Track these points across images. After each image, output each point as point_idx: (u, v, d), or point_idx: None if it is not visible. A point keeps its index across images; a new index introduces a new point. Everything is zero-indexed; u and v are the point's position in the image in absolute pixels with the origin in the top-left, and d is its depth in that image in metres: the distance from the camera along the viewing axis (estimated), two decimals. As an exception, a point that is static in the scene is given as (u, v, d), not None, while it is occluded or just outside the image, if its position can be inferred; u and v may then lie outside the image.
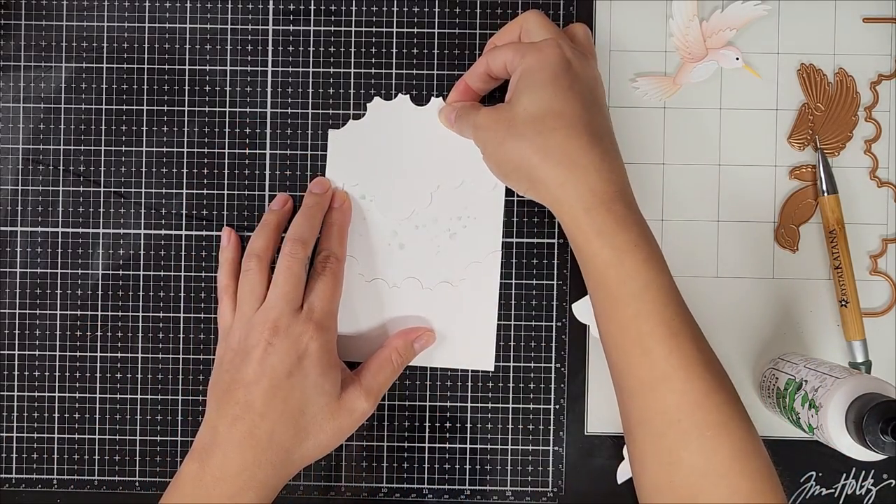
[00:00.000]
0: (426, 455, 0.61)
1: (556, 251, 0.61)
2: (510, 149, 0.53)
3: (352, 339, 0.60)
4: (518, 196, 0.61)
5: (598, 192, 0.51)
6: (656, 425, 0.49)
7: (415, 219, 0.60)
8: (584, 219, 0.51)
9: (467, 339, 0.60)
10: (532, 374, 0.61)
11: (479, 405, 0.61)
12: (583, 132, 0.51)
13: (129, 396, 0.61)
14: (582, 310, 0.60)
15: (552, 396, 0.61)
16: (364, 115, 0.60)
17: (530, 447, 0.61)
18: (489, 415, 0.61)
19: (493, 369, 0.60)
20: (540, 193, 0.53)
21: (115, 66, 0.61)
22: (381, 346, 0.59)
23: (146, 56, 0.61)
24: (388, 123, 0.60)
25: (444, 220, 0.60)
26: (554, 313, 0.61)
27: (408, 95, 0.60)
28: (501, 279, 0.60)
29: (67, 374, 0.61)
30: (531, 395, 0.61)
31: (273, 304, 0.55)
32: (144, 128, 0.61)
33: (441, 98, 0.60)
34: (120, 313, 0.61)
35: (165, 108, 0.61)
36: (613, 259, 0.50)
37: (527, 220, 0.61)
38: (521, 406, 0.61)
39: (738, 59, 0.60)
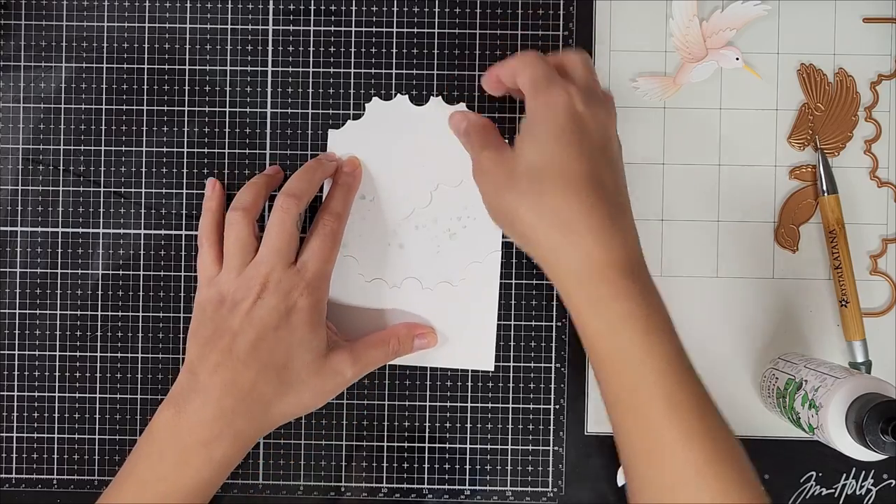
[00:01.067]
0: (426, 455, 0.61)
1: (556, 251, 0.61)
2: (506, 201, 0.50)
3: (352, 338, 0.60)
4: (518, 196, 0.61)
5: (593, 259, 0.48)
6: (655, 492, 0.48)
7: (414, 219, 0.60)
8: (575, 288, 0.49)
9: (467, 340, 0.60)
10: (532, 374, 0.61)
11: (479, 405, 0.61)
12: (584, 194, 0.48)
13: (129, 396, 0.61)
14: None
15: (552, 396, 0.61)
16: (363, 115, 0.60)
17: (530, 447, 0.61)
18: (489, 415, 0.61)
19: (493, 369, 0.60)
20: (532, 252, 0.51)
21: (114, 66, 0.61)
22: (384, 329, 0.59)
23: (146, 56, 0.61)
24: (386, 124, 0.60)
25: (443, 220, 0.60)
26: (554, 313, 0.61)
27: (406, 96, 0.60)
28: (501, 279, 0.60)
29: (67, 374, 0.61)
30: (531, 395, 0.61)
31: (264, 259, 0.55)
32: (144, 128, 0.61)
33: (440, 98, 0.60)
34: (120, 313, 0.61)
35: (165, 107, 0.61)
36: (605, 330, 0.48)
37: (527, 220, 0.61)
38: (521, 406, 0.61)
39: (738, 59, 0.60)
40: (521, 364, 0.61)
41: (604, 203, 0.49)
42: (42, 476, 0.61)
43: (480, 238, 0.60)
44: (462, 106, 0.60)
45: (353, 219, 0.60)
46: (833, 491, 0.60)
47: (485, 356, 0.60)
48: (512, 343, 0.61)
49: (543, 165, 0.49)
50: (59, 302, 0.61)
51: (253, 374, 0.53)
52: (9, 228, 0.61)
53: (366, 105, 0.60)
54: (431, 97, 0.60)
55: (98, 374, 0.61)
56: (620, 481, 0.61)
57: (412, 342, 0.59)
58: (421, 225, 0.60)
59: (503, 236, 0.60)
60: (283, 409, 0.55)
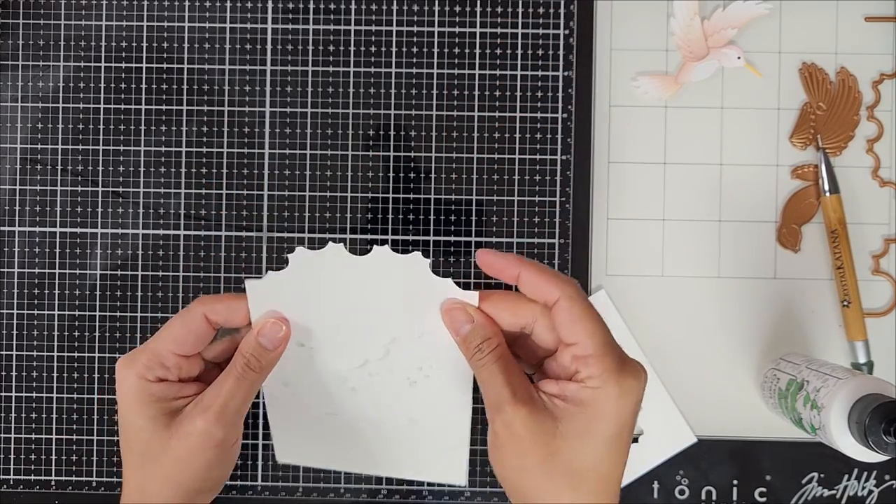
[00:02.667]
0: (426, 456, 0.60)
1: (556, 251, 0.60)
2: (528, 480, 0.45)
3: (310, 447, 0.55)
4: (518, 196, 0.60)
5: None
6: None
7: (368, 367, 0.50)
8: None
9: (435, 459, 0.53)
10: (532, 375, 0.60)
11: (480, 405, 0.60)
12: (612, 495, 0.44)
13: (127, 397, 0.61)
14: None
15: (552, 397, 0.60)
16: (285, 267, 0.48)
17: (531, 448, 0.60)
18: (489, 415, 0.60)
19: (465, 483, 0.54)
20: None
21: (113, 65, 0.61)
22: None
23: (145, 55, 0.61)
24: (317, 277, 0.48)
25: (402, 372, 0.50)
26: (554, 313, 0.60)
27: (341, 244, 0.47)
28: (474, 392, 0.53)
29: (66, 374, 0.61)
30: (531, 396, 0.60)
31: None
32: (143, 127, 0.61)
33: (387, 246, 0.47)
34: (118, 313, 0.61)
35: (164, 107, 0.61)
36: None
37: (527, 220, 0.60)
38: (521, 407, 0.60)
39: (739, 58, 0.60)
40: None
41: (615, 496, 0.45)
42: (40, 477, 0.61)
43: (447, 390, 0.50)
44: (417, 257, 0.46)
45: (294, 365, 0.50)
46: (835, 492, 0.60)
47: (456, 470, 0.53)
48: (512, 343, 0.60)
49: (590, 467, 0.44)
50: (57, 302, 0.61)
51: (129, 474, 0.49)
52: (7, 228, 0.61)
53: (288, 256, 0.47)
54: (375, 246, 0.47)
55: (96, 375, 0.61)
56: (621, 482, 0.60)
57: (258, 344, 0.48)
58: (375, 373, 0.50)
59: (474, 389, 0.50)
60: (188, 499, 0.49)
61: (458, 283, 0.47)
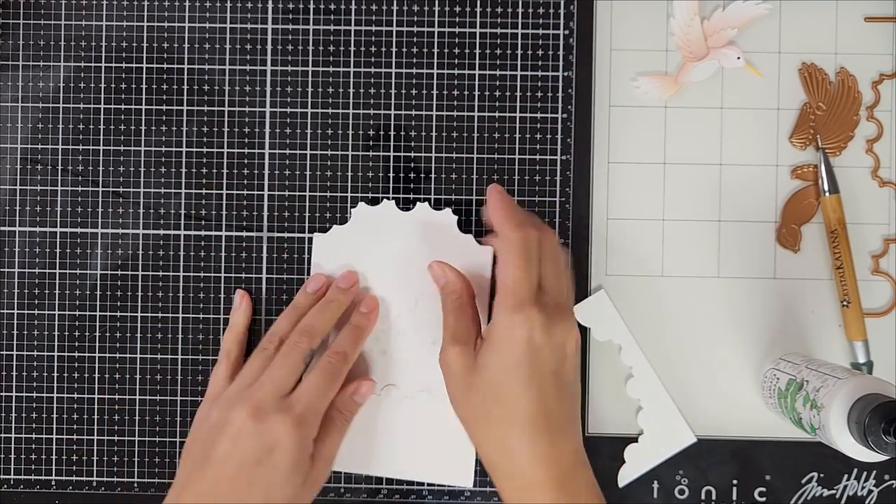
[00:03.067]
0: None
1: (556, 251, 0.61)
2: (461, 410, 0.54)
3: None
4: (518, 196, 0.60)
5: (529, 479, 0.51)
6: None
7: (398, 325, 0.59)
8: (510, 495, 0.51)
9: (445, 454, 0.59)
10: (532, 375, 0.60)
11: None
12: (528, 428, 0.51)
13: (127, 397, 0.61)
14: (583, 312, 0.60)
15: (552, 397, 0.60)
16: (349, 220, 0.59)
17: (530, 448, 0.60)
18: (489, 415, 0.61)
19: (471, 486, 0.59)
20: (476, 450, 0.55)
21: (113, 65, 0.61)
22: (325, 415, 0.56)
23: (145, 55, 0.61)
24: (372, 229, 0.59)
25: (426, 329, 0.58)
26: (554, 313, 0.60)
27: (392, 201, 0.59)
28: None
29: (66, 374, 0.61)
30: (531, 396, 0.60)
31: (260, 386, 0.54)
32: (143, 127, 0.61)
33: (427, 203, 0.59)
34: (119, 313, 0.61)
35: (164, 107, 0.61)
36: None
37: (527, 220, 0.61)
38: (521, 407, 0.60)
39: (739, 58, 0.60)
40: (522, 364, 0.60)
41: (546, 433, 0.51)
42: (40, 476, 0.61)
43: None
44: (424, 206, 0.59)
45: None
46: (834, 492, 0.60)
47: (463, 472, 0.59)
48: (512, 343, 0.60)
49: (495, 397, 0.51)
50: (57, 302, 0.61)
51: None
52: (7, 228, 0.61)
53: (351, 210, 0.59)
54: (418, 202, 0.59)
55: (97, 375, 0.61)
56: (621, 482, 0.60)
57: (353, 401, 0.57)
58: (403, 332, 0.59)
59: None
60: None
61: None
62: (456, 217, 0.59)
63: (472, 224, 0.61)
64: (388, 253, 0.59)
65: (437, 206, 0.59)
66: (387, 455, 0.59)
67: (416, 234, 0.59)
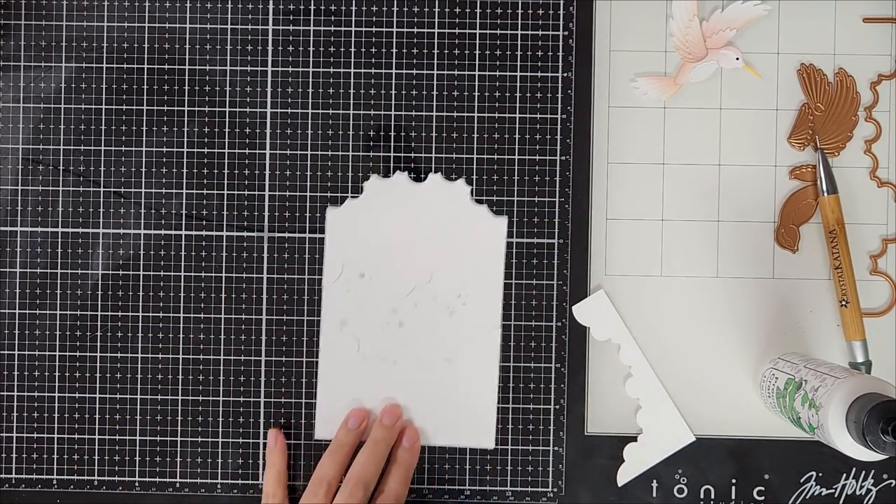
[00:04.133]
0: (426, 455, 0.61)
1: (555, 251, 0.61)
2: None
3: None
4: (518, 196, 0.61)
5: None
6: None
7: (415, 296, 0.60)
8: None
9: (467, 417, 0.60)
10: (532, 374, 0.61)
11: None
12: None
13: (128, 396, 0.61)
14: (583, 311, 0.60)
15: (552, 396, 0.61)
16: (361, 193, 0.60)
17: (530, 447, 0.61)
18: (489, 415, 0.61)
19: (493, 447, 0.60)
20: None
21: (114, 66, 0.61)
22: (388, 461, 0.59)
23: (146, 56, 0.61)
24: (385, 201, 0.60)
25: (443, 298, 0.60)
26: (554, 313, 0.61)
27: (405, 172, 0.60)
28: (501, 353, 0.60)
29: (67, 374, 0.61)
30: (531, 395, 0.61)
31: None
32: (144, 128, 0.61)
33: (439, 175, 0.60)
34: (120, 313, 0.61)
35: (165, 107, 0.61)
36: None
37: (527, 221, 0.61)
38: (521, 406, 0.61)
39: (738, 59, 0.60)
40: (521, 364, 0.61)
41: None
42: (42, 476, 0.61)
43: (480, 315, 0.60)
44: (461, 183, 0.60)
45: (354, 297, 0.60)
46: (833, 491, 0.60)
47: (485, 434, 0.60)
48: (512, 343, 0.61)
49: None
50: (58, 302, 0.61)
51: None
52: (9, 228, 0.61)
53: (364, 183, 0.60)
54: (430, 174, 0.60)
55: (98, 374, 0.61)
56: (620, 481, 0.60)
57: (414, 449, 0.59)
58: (421, 302, 0.60)
59: (503, 314, 0.60)
60: None
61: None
62: (469, 187, 0.59)
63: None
64: (401, 225, 0.60)
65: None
66: (415, 418, 0.60)
67: (430, 206, 0.59)
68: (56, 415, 0.61)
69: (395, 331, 0.60)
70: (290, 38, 0.61)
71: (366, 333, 0.60)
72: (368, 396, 0.60)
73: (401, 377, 0.60)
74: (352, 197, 0.60)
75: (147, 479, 0.61)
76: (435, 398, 0.60)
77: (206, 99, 0.61)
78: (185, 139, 0.61)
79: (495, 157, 0.61)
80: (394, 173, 0.60)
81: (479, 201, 0.60)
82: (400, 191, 0.60)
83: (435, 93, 0.61)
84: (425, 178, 0.60)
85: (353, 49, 0.61)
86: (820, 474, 0.60)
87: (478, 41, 0.61)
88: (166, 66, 0.61)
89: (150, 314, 0.61)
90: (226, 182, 0.61)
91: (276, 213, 0.61)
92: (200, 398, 0.61)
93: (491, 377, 0.60)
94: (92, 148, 0.61)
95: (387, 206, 0.60)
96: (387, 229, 0.60)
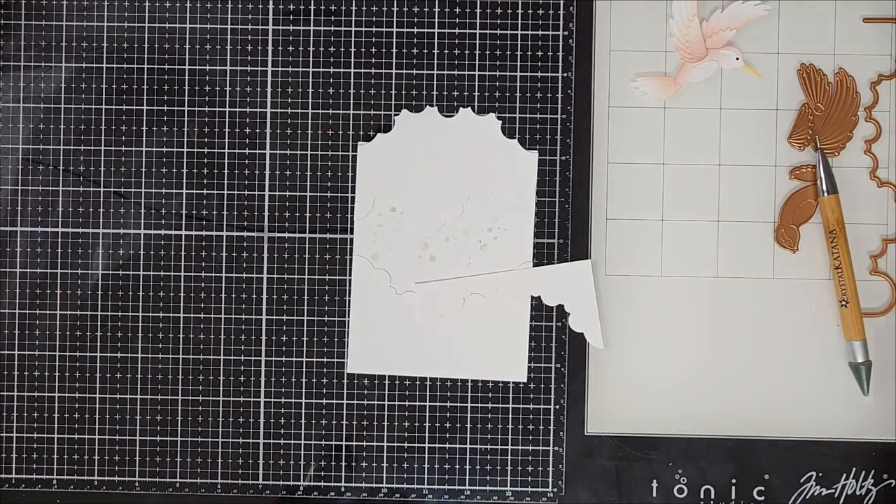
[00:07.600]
0: (426, 455, 0.61)
1: (555, 251, 0.61)
2: None
3: (382, 351, 0.60)
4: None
5: None
6: None
7: (445, 230, 0.60)
8: None
9: (499, 351, 0.60)
10: (532, 374, 0.61)
11: (479, 405, 0.61)
12: None
13: (129, 396, 0.61)
14: (576, 321, 0.60)
15: (552, 396, 0.61)
16: (392, 128, 0.60)
17: (530, 447, 0.61)
18: (489, 415, 0.61)
19: (525, 380, 0.60)
20: None
21: (114, 66, 0.61)
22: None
23: (146, 56, 0.61)
24: (416, 135, 0.60)
25: (474, 232, 0.60)
26: (554, 313, 0.61)
27: (436, 108, 0.60)
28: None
29: (67, 374, 0.61)
30: (531, 395, 0.61)
31: None
32: (144, 128, 0.61)
33: (470, 109, 0.60)
34: (120, 313, 0.61)
35: (165, 108, 0.61)
36: None
37: (527, 220, 0.61)
38: (521, 406, 0.61)
39: (738, 58, 0.60)
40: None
41: None
42: (42, 476, 0.61)
43: (511, 249, 0.60)
44: (492, 118, 0.60)
45: (385, 231, 0.60)
46: (833, 491, 0.60)
47: (517, 367, 0.60)
48: (512, 343, 0.61)
49: None
50: (58, 302, 0.61)
51: None
52: (8, 228, 0.61)
53: (395, 117, 0.60)
54: (461, 108, 0.60)
55: (98, 374, 0.61)
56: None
57: None
58: (452, 237, 0.60)
59: (534, 246, 0.60)
60: None
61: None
62: (500, 122, 0.60)
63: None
64: (432, 159, 0.60)
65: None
66: (441, 357, 0.60)
67: (460, 140, 0.60)
68: (56, 415, 0.61)
69: (427, 264, 0.60)
70: (290, 38, 0.61)
71: (398, 268, 0.60)
72: (400, 331, 0.60)
73: (433, 310, 0.60)
74: (383, 132, 0.60)
75: (147, 479, 0.61)
76: (466, 332, 0.60)
77: (206, 99, 0.61)
78: (185, 139, 0.61)
79: (495, 157, 0.61)
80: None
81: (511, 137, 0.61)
82: (431, 125, 0.60)
83: (435, 93, 0.61)
84: (456, 113, 0.60)
85: (353, 49, 0.61)
86: (820, 474, 0.60)
87: (478, 41, 0.61)
88: (166, 66, 0.61)
89: (150, 314, 0.61)
90: (226, 182, 0.61)
91: (276, 213, 0.61)
92: (200, 398, 0.61)
93: (523, 310, 0.60)
94: (92, 148, 0.61)
95: (417, 140, 0.60)
96: (417, 163, 0.60)
